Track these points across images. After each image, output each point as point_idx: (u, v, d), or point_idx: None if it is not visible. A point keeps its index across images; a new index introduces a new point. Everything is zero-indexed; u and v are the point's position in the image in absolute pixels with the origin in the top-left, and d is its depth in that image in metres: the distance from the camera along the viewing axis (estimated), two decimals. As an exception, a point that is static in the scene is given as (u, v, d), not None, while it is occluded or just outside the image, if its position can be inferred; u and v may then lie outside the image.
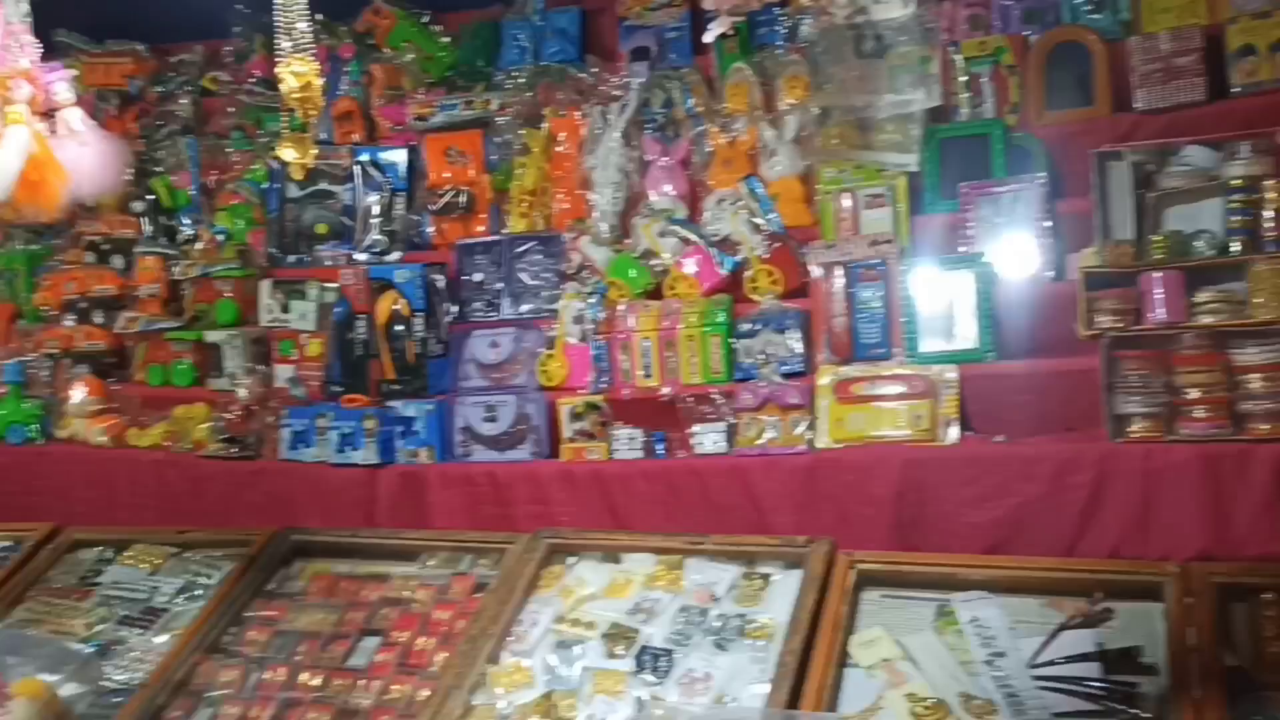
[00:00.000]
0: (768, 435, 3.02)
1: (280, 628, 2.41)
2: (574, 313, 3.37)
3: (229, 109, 4.31)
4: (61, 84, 2.09)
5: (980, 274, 3.02)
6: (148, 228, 4.08)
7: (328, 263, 3.84)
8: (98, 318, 3.99)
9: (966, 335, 3.01)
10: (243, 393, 3.62)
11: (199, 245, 3.97)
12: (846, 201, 3.21)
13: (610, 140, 3.54)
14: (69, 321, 4.01)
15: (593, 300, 3.35)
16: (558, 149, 3.64)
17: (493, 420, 3.33)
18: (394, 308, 3.54)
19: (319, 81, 2.01)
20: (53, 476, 3.77)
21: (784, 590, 2.15)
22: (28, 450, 3.82)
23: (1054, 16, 3.32)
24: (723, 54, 3.65)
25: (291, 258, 3.93)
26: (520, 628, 2.21)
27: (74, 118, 2.07)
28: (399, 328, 3.54)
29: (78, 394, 3.80)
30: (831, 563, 2.16)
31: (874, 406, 2.95)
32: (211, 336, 3.75)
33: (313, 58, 2.00)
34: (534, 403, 3.30)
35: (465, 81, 3.97)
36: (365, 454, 3.38)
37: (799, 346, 3.11)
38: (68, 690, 2.26)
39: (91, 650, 2.37)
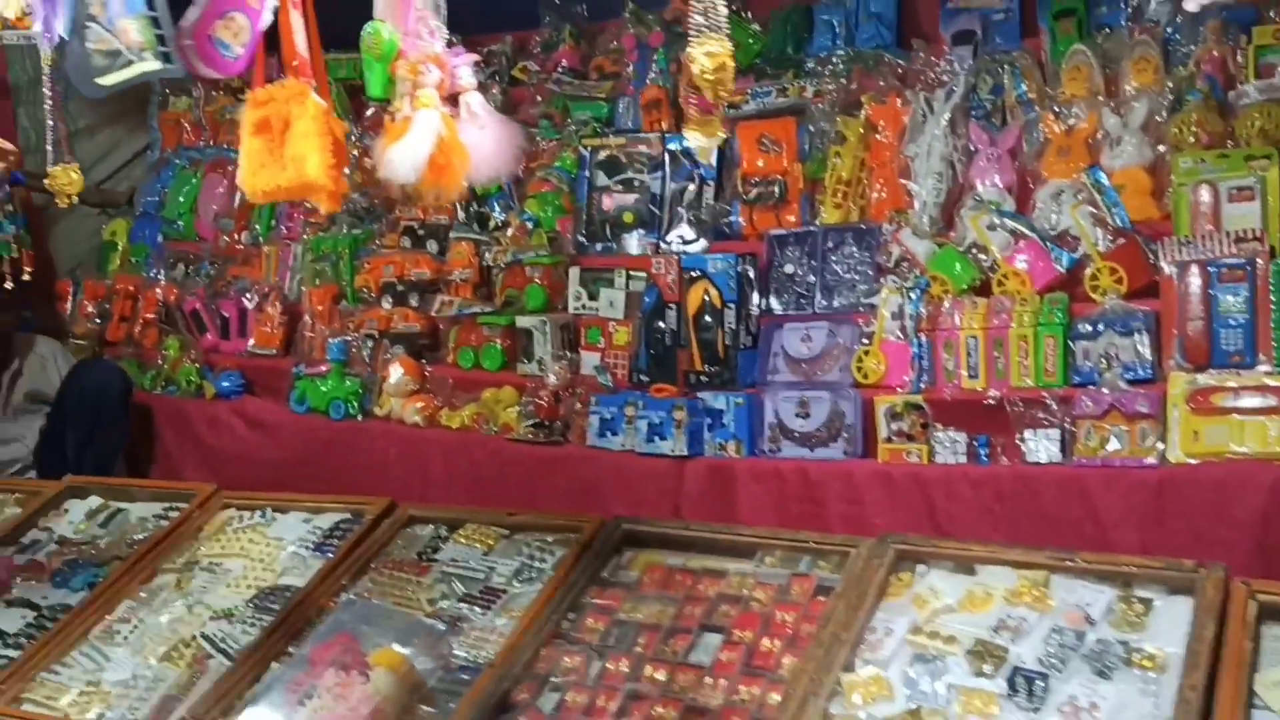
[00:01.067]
0: (1111, 445, 2.81)
1: (618, 617, 2.40)
2: (893, 308, 3.24)
3: (537, 98, 4.38)
4: (465, 68, 2.13)
5: (1369, 276, 2.71)
6: (460, 214, 4.20)
7: (634, 251, 3.85)
8: (413, 300, 4.14)
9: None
10: (552, 378, 3.67)
11: (509, 232, 4.06)
12: (1205, 195, 2.94)
13: (934, 128, 3.39)
14: (386, 304, 4.18)
15: (914, 295, 3.22)
16: (876, 137, 3.52)
17: (805, 416, 3.25)
18: (705, 298, 3.51)
19: (732, 63, 1.96)
20: (370, 452, 3.95)
21: (1171, 618, 1.97)
22: (348, 425, 4.01)
23: None
24: (1056, 37, 3.44)
25: (598, 245, 3.96)
26: (873, 636, 2.12)
27: (475, 102, 2.12)
28: (708, 318, 3.50)
29: (395, 374, 3.95)
30: (1227, 591, 1.96)
31: (1236, 419, 2.70)
32: (522, 322, 3.82)
33: (727, 38, 1.95)
34: (849, 400, 3.20)
35: (773, 69, 3.90)
36: (674, 444, 3.37)
37: (1147, 351, 2.88)
38: (420, 664, 2.32)
39: (443, 627, 2.42)
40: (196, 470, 4.28)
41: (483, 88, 4.42)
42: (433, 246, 4.23)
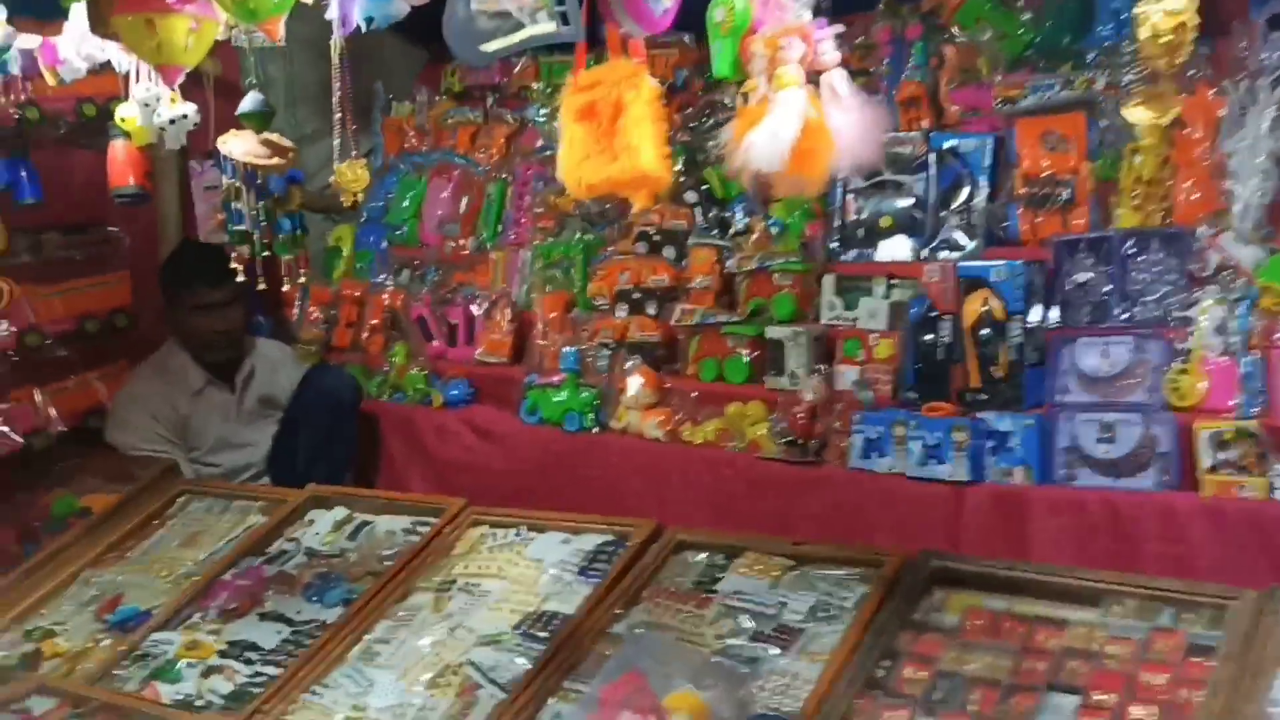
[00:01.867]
0: None
1: (942, 667, 2.12)
2: (1214, 321, 2.88)
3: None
4: (829, 42, 1.90)
5: None
6: (700, 219, 3.99)
7: (897, 257, 3.56)
8: (650, 309, 3.94)
9: None
10: (808, 394, 3.42)
11: (753, 237, 3.83)
12: None
13: (1259, 121, 3.00)
14: (621, 312, 3.99)
15: (1240, 308, 2.85)
16: (1183, 132, 3.15)
17: (1109, 441, 2.91)
18: (983, 309, 3.20)
19: (1194, 20, 1.67)
20: (605, 466, 3.76)
21: None
22: (582, 438, 3.83)
23: None
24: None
25: (852, 252, 3.69)
26: (1276, 709, 1.80)
27: (839, 80, 1.88)
28: (988, 331, 3.19)
29: (633, 385, 3.76)
30: None
31: None
32: (772, 332, 3.58)
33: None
34: (1163, 424, 2.85)
35: (1047, 61, 3.56)
36: (953, 469, 3.07)
37: None
38: (720, 711, 2.09)
39: (744, 669, 2.19)
40: (423, 480, 4.18)
41: (675, 91, 4.26)
42: (670, 253, 4.03)
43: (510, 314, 4.23)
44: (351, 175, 2.52)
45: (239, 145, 2.54)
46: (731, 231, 3.94)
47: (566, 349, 3.95)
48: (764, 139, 1.80)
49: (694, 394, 3.70)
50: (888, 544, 3.09)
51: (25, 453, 4.06)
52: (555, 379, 3.95)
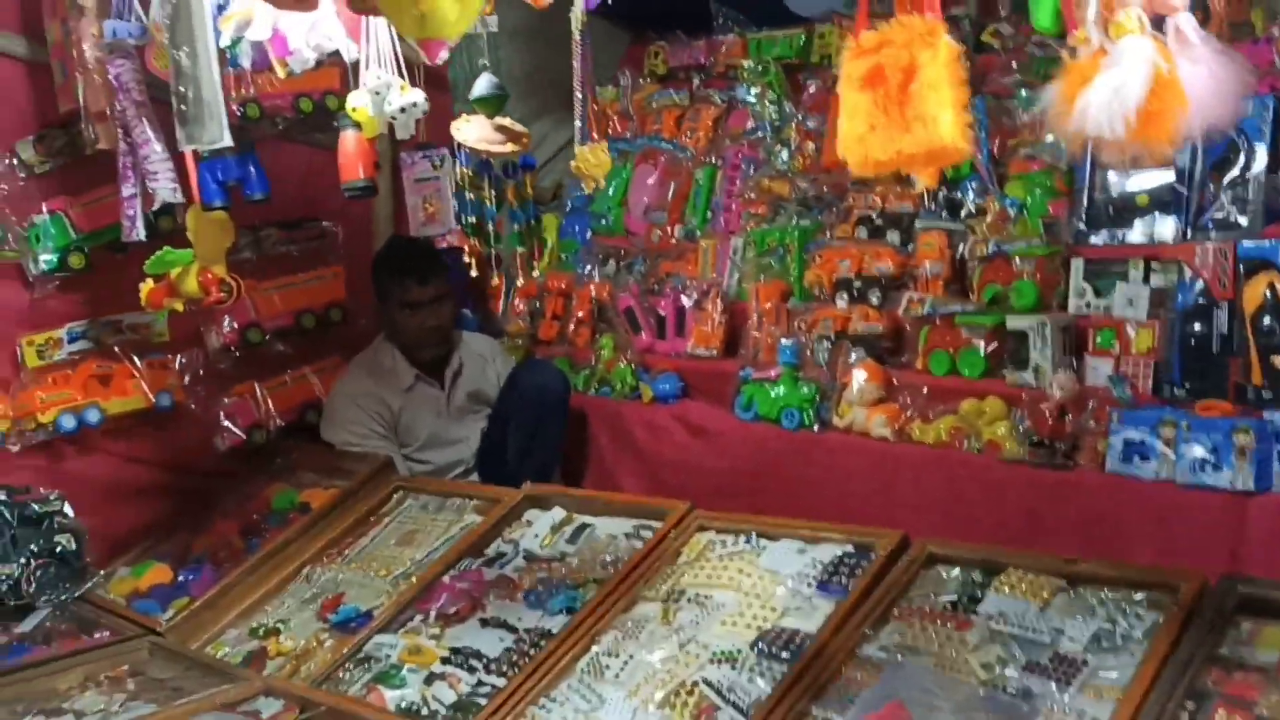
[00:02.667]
0: None
1: (1261, 712, 1.83)
2: None
3: (1012, 64, 3.82)
4: None
5: None
6: (927, 200, 3.72)
7: (1163, 238, 3.22)
8: (873, 298, 3.70)
9: None
10: (1057, 390, 3.12)
11: (987, 219, 3.54)
12: None
13: None
14: (842, 301, 3.76)
15: None
16: None
17: None
18: (1267, 294, 2.84)
19: None
20: (828, 466, 3.55)
21: None
22: (802, 436, 3.62)
23: None
24: None
25: (1102, 233, 3.36)
26: None
27: (1187, 25, 1.60)
28: (1270, 319, 2.84)
29: (858, 379, 3.53)
30: None
31: None
32: (1014, 323, 3.29)
33: None
34: None
35: None
36: (1233, 476, 2.74)
37: None
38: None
39: (1022, 705, 1.95)
40: (633, 478, 4.05)
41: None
42: (894, 237, 3.77)
43: (721, 305, 4.05)
44: (594, 160, 2.37)
45: (472, 131, 2.43)
46: (963, 213, 3.66)
47: (784, 341, 3.74)
48: (1103, 98, 1.53)
49: (924, 389, 3.44)
50: (1153, 560, 2.81)
51: (246, 447, 4.13)
52: (772, 373, 3.75)
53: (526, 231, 2.51)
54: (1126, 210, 3.33)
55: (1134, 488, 2.91)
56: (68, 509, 3.68)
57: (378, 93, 2.34)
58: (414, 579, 3.15)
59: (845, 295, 3.76)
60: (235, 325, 4.08)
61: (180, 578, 3.60)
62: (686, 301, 4.14)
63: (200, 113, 2.53)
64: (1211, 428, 2.77)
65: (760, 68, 4.38)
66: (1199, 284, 2.96)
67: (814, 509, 3.41)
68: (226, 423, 4.11)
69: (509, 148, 2.42)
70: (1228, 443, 2.75)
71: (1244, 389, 2.87)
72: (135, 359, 3.96)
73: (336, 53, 2.53)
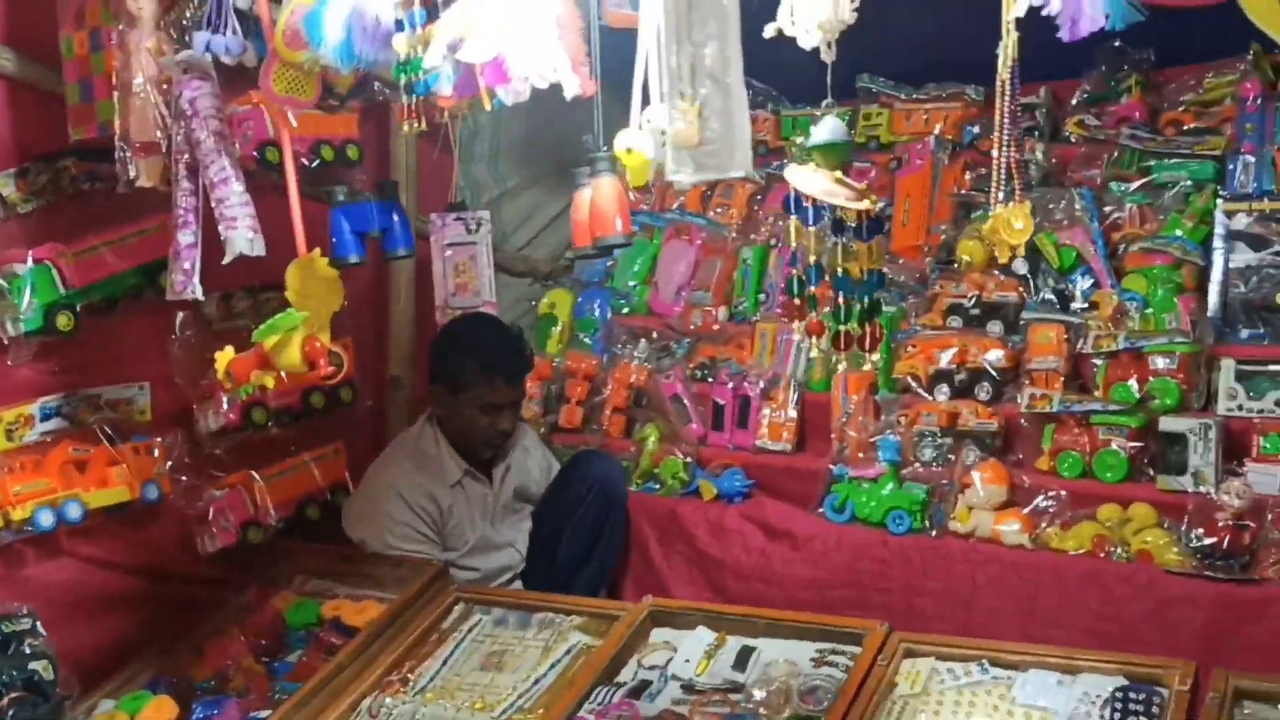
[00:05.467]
0: None
1: None
2: None
3: (1102, 156, 3.69)
4: None
5: None
6: (1034, 290, 3.52)
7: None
8: (983, 392, 3.45)
9: None
10: (1233, 498, 2.92)
11: (1105, 312, 3.37)
12: None
13: None
14: (941, 395, 3.50)
15: None
16: None
17: None
18: None
19: None
20: (947, 577, 3.24)
21: None
22: (914, 542, 3.31)
23: None
24: None
25: (1244, 332, 3.23)
26: None
27: None
28: None
29: (979, 480, 3.26)
30: None
31: None
32: (1169, 425, 3.09)
33: None
34: None
35: None
36: None
37: None
38: None
39: None
40: (689, 585, 3.61)
41: (961, 149, 3.82)
42: (995, 328, 3.54)
43: (796, 394, 3.71)
44: (1017, 223, 1.98)
45: (816, 182, 2.03)
46: (1073, 306, 3.47)
47: (886, 437, 3.44)
48: None
49: (1059, 493, 3.19)
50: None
51: (238, 548, 3.47)
52: (870, 472, 3.43)
53: (872, 309, 2.15)
54: (1265, 309, 3.22)
55: (1336, 605, 2.73)
56: (40, 628, 2.97)
57: (664, 132, 1.92)
58: (534, 712, 2.63)
59: (945, 388, 3.50)
60: (237, 402, 3.45)
61: (197, 715, 2.92)
62: (752, 390, 3.77)
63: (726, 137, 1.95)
64: None
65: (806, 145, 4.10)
66: (1395, 388, 2.84)
67: (930, 621, 3.14)
68: (216, 519, 3.44)
69: (861, 204, 2.04)
70: None
71: None
72: (114, 441, 3.27)
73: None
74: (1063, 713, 2.24)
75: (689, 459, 3.77)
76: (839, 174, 2.07)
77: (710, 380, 3.93)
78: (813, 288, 2.13)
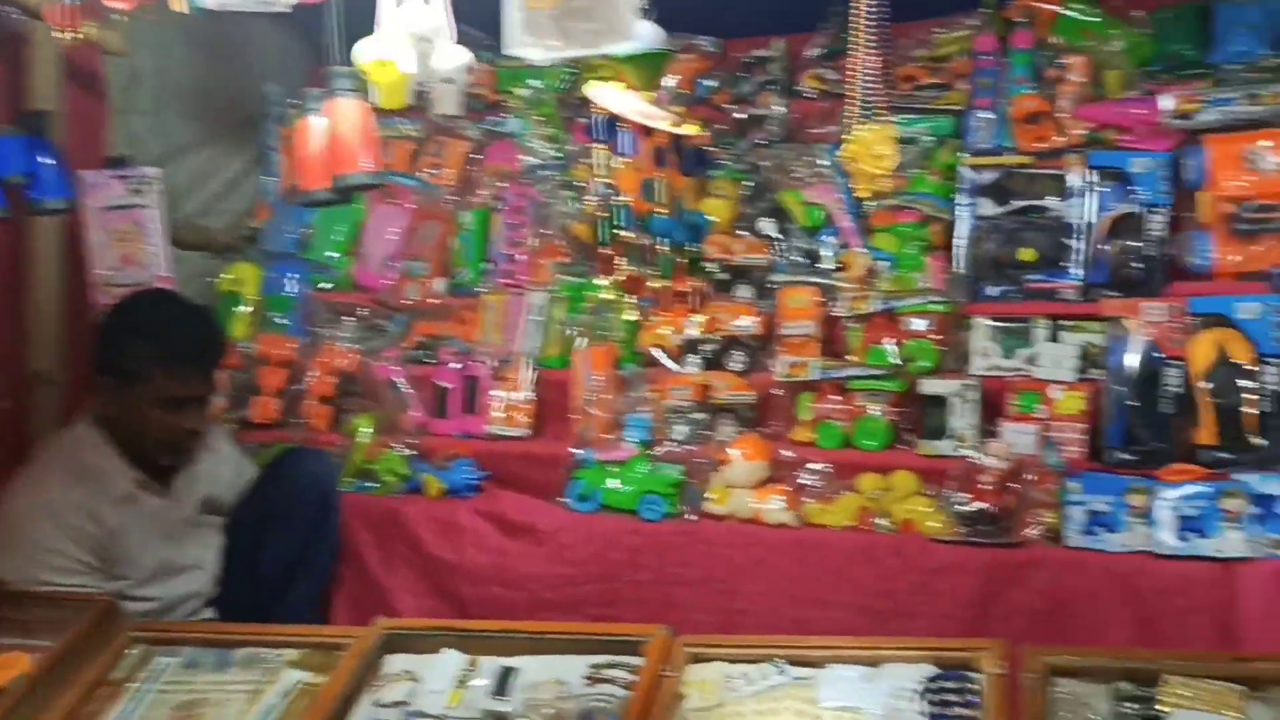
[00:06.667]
0: None
1: None
2: None
3: (836, 111, 3.53)
4: None
5: None
6: (782, 252, 3.31)
7: (1055, 293, 3.04)
8: (735, 362, 3.20)
9: None
10: (992, 460, 2.81)
11: (854, 273, 3.20)
12: None
13: None
14: (692, 367, 3.22)
15: None
16: None
17: None
18: (1219, 352, 2.74)
19: None
20: (711, 563, 2.96)
21: None
22: (671, 528, 3.01)
23: None
24: None
25: (994, 289, 3.13)
26: None
27: None
28: (1225, 378, 2.74)
29: (737, 457, 3.00)
30: None
31: None
32: (930, 387, 2.95)
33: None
34: None
35: (1171, 74, 3.20)
36: (1220, 543, 2.57)
37: None
38: None
39: None
40: (413, 596, 3.14)
41: (749, 102, 3.62)
42: (745, 292, 3.31)
43: (534, 374, 3.33)
44: (880, 148, 1.59)
45: (628, 102, 1.61)
46: (823, 267, 3.29)
47: (635, 416, 3.12)
48: None
49: (820, 466, 2.98)
50: (1131, 640, 2.57)
51: None
52: (619, 454, 3.10)
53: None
54: (1010, 265, 3.14)
55: (1102, 562, 2.66)
56: None
57: (427, 40, 1.46)
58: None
59: (696, 359, 3.22)
60: None
61: None
62: (483, 371, 3.36)
63: None
64: (1196, 493, 2.58)
65: (537, 99, 3.72)
66: (1142, 342, 2.79)
67: (695, 614, 2.86)
68: None
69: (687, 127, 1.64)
70: (1214, 509, 2.57)
71: (1198, 452, 2.72)
72: None
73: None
74: (876, 712, 1.98)
75: (409, 452, 3.29)
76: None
77: (431, 361, 3.47)
78: (627, 233, 1.73)
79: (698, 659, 2.17)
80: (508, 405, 3.32)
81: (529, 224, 3.58)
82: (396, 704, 2.22)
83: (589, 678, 2.18)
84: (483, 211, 3.68)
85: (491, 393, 3.34)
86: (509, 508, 3.17)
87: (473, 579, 3.13)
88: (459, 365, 3.39)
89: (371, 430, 3.35)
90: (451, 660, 2.28)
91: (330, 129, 1.70)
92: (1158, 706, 1.90)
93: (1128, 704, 1.93)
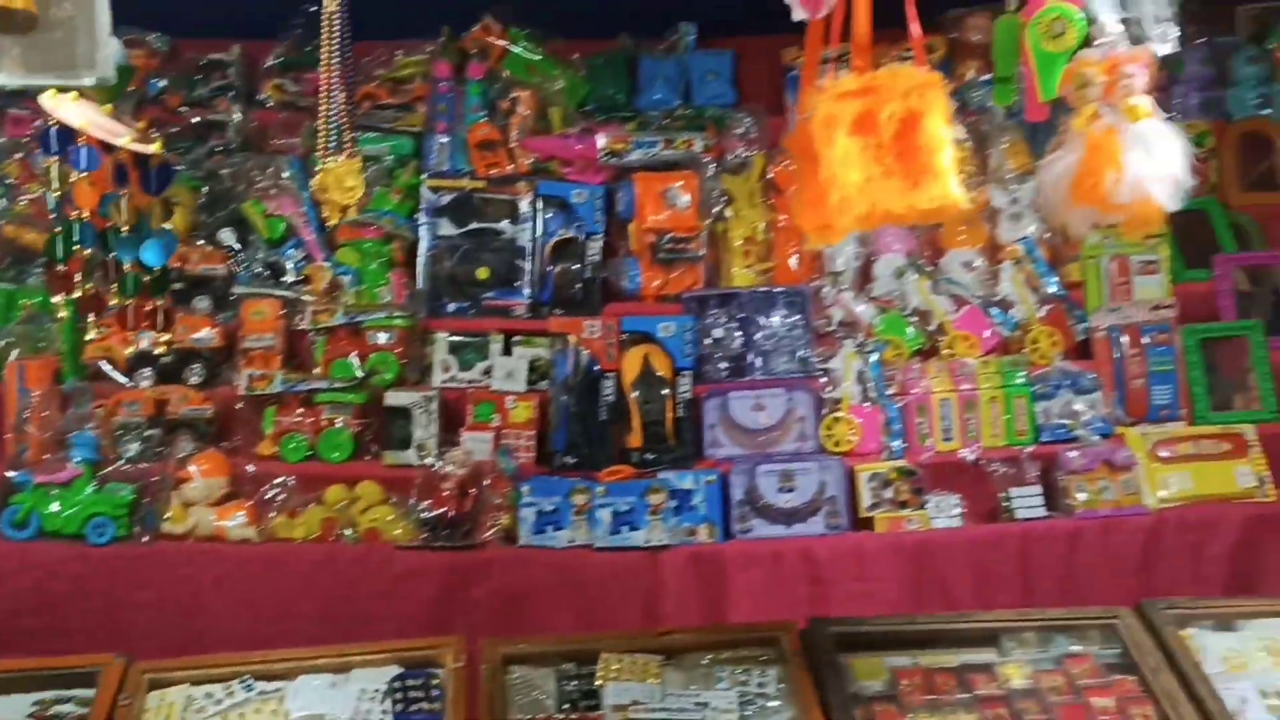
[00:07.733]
0: (1106, 497, 3.02)
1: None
2: (854, 372, 3.16)
3: (298, 123, 3.53)
4: (1144, 73, 1.63)
5: (1255, 338, 3.25)
6: (243, 264, 3.26)
7: (508, 312, 3.28)
8: (193, 375, 3.10)
9: (1252, 396, 3.23)
10: (451, 467, 2.99)
11: (318, 286, 3.25)
12: (1114, 266, 3.30)
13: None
14: (144, 381, 3.08)
15: (871, 359, 3.17)
16: (783, 195, 3.40)
17: (790, 490, 3.02)
18: (645, 364, 3.13)
19: None
20: (164, 585, 2.87)
21: None
22: (120, 551, 2.87)
23: (1226, 108, 3.66)
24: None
25: (451, 305, 3.31)
26: (1226, 704, 2.05)
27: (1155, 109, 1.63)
28: (649, 387, 3.13)
29: (198, 474, 2.93)
30: None
31: (1198, 465, 3.06)
32: (395, 399, 3.06)
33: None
34: (830, 471, 3.04)
35: (604, 115, 3.58)
36: (648, 534, 2.94)
37: (1104, 408, 3.15)
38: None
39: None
40: None
41: (205, 106, 3.54)
42: (203, 304, 3.21)
43: (-49, 388, 3.00)
44: (349, 181, 1.56)
45: (84, 114, 1.47)
46: (287, 280, 3.29)
47: (80, 433, 2.93)
48: (1157, 171, 1.58)
49: (285, 480, 2.99)
50: (576, 626, 2.86)
51: None
52: (61, 475, 2.90)
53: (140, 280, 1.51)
54: (467, 284, 3.34)
55: (550, 557, 2.93)
56: None
57: None
58: None
59: (148, 372, 3.09)
60: None
61: None
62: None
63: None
64: (627, 491, 2.93)
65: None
66: (584, 356, 3.10)
67: (153, 641, 2.76)
68: None
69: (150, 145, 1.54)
70: (642, 504, 2.93)
71: (629, 454, 3.08)
72: None
73: None
74: (344, 716, 2.05)
75: None
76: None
77: None
78: (87, 250, 1.64)
79: (158, 685, 2.10)
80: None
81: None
82: None
83: (34, 715, 2.03)
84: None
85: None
86: (-86, 541, 2.83)
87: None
88: None
89: None
90: None
91: None
92: (596, 682, 2.14)
93: (572, 682, 2.16)
